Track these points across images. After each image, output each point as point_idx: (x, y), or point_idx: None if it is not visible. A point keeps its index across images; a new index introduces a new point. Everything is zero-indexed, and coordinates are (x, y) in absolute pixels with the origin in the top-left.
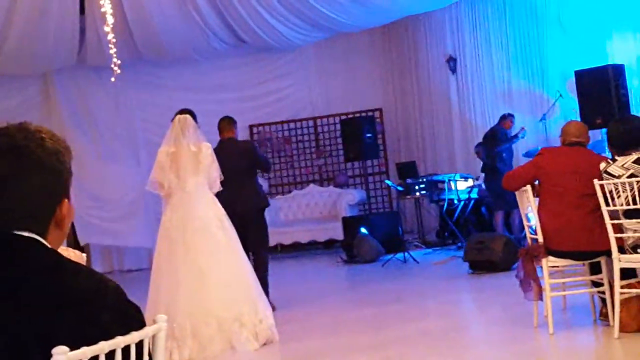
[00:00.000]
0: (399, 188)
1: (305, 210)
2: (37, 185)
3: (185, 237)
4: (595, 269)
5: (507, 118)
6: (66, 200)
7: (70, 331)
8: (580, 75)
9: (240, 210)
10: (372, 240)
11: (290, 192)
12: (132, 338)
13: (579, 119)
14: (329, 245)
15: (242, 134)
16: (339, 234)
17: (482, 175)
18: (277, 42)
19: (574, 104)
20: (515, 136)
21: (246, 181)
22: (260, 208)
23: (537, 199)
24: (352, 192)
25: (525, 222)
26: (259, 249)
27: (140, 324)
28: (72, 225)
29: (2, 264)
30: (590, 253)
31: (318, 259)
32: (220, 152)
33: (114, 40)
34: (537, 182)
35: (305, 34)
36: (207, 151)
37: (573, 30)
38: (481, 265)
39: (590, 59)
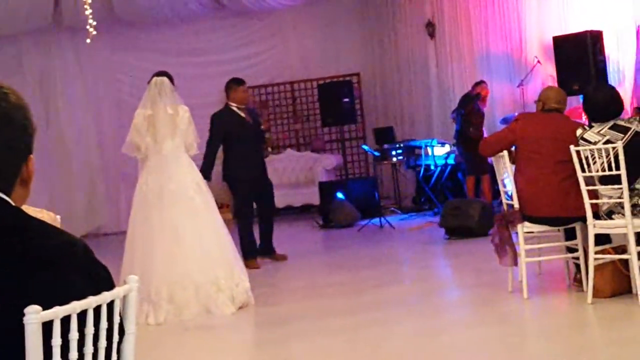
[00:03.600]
0: (376, 153)
1: (282, 175)
2: (3, 140)
3: (161, 200)
4: (570, 234)
5: (479, 84)
6: (31, 157)
7: (40, 291)
8: (558, 42)
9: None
10: (349, 205)
11: (266, 156)
12: (103, 298)
13: (556, 85)
14: (305, 210)
15: (217, 98)
16: (315, 199)
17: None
18: (254, 5)
19: (551, 71)
20: (477, 94)
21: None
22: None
23: (514, 165)
24: (329, 157)
25: (501, 188)
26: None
27: (110, 284)
28: None
29: None
30: (566, 219)
31: (294, 224)
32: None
33: (90, 0)
34: (513, 148)
35: None
36: (185, 114)
37: None
38: (457, 230)
39: (569, 25)
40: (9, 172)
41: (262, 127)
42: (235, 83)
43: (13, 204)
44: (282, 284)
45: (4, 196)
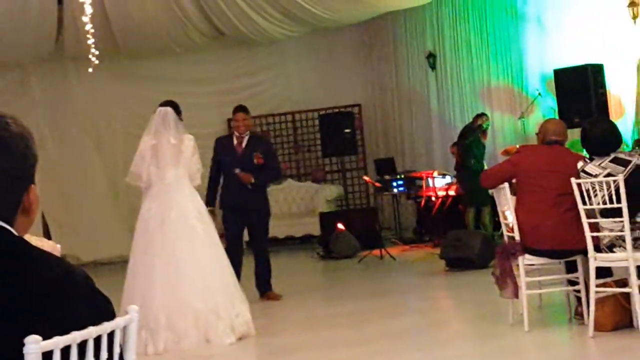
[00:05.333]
0: (377, 184)
1: (283, 205)
2: (3, 169)
3: (162, 227)
4: (571, 267)
5: (480, 116)
6: (32, 186)
7: (39, 320)
8: (559, 74)
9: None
10: (349, 236)
11: (267, 187)
12: (104, 328)
13: (557, 118)
14: (305, 240)
15: (220, 128)
16: (315, 230)
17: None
18: (256, 35)
19: (552, 103)
20: (479, 126)
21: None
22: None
23: (515, 197)
24: (330, 187)
25: (502, 220)
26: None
27: (110, 314)
28: (43, 217)
29: None
30: (567, 252)
31: (295, 254)
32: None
33: (92, 30)
34: (514, 180)
35: (285, 28)
36: (189, 143)
37: (552, 29)
38: (458, 262)
39: (569, 58)
40: (10, 201)
41: (256, 160)
42: (233, 110)
43: (15, 232)
44: (282, 314)
45: (5, 225)
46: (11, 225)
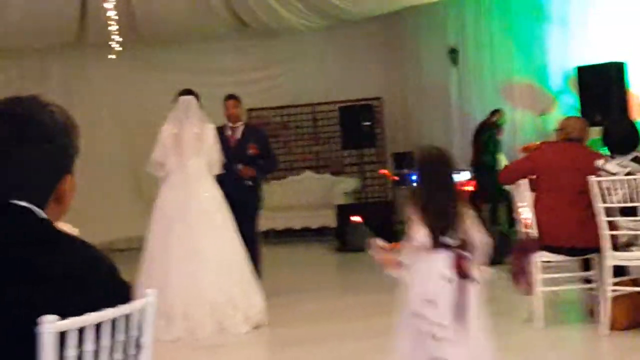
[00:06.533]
0: (395, 178)
1: (300, 197)
2: (42, 156)
3: (181, 216)
4: (587, 265)
5: (495, 113)
6: (69, 176)
7: (59, 302)
8: (581, 71)
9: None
10: (365, 228)
11: (285, 177)
12: (120, 311)
13: (578, 115)
14: (321, 232)
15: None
16: (332, 221)
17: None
18: (278, 27)
19: (574, 100)
20: (495, 122)
21: None
22: None
23: (534, 192)
24: (348, 180)
25: (519, 216)
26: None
27: (129, 302)
28: None
29: None
30: (584, 249)
31: (310, 246)
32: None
33: (116, 17)
34: (534, 177)
35: (307, 20)
36: (210, 132)
37: (576, 26)
38: None
39: (592, 55)
40: (44, 187)
41: (251, 150)
42: (224, 98)
43: (43, 216)
44: (294, 305)
45: (36, 209)
46: (43, 211)
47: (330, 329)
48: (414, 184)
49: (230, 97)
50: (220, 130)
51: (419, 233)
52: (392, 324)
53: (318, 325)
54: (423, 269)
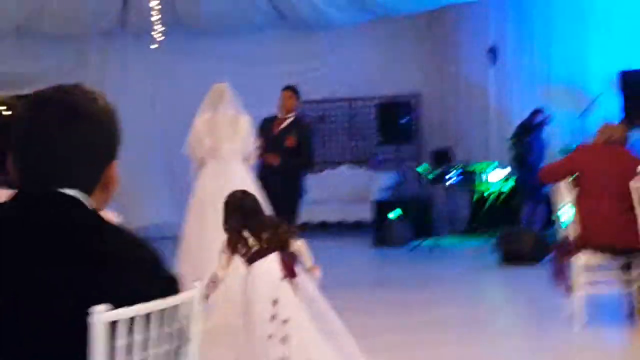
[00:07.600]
0: (432, 174)
1: (335, 191)
2: (91, 143)
3: (218, 204)
4: (628, 267)
5: (538, 113)
6: (114, 162)
7: (102, 291)
8: (624, 76)
9: None
10: (402, 224)
11: (322, 171)
12: (168, 302)
13: (620, 119)
14: (357, 226)
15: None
16: (368, 217)
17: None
18: (316, 19)
19: (615, 104)
20: (540, 123)
21: None
22: None
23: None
24: (385, 175)
25: (558, 217)
26: None
27: (175, 292)
28: None
29: (41, 222)
30: (624, 250)
31: (346, 240)
32: None
33: (158, 7)
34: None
35: (347, 15)
36: (245, 124)
37: (618, 30)
38: (511, 256)
39: (635, 59)
40: (91, 174)
41: (288, 142)
42: (282, 89)
43: (89, 205)
44: (329, 299)
45: (81, 197)
46: (90, 197)
47: (363, 323)
48: None
49: (287, 88)
50: (270, 120)
51: None
52: (425, 321)
53: (351, 319)
54: None
